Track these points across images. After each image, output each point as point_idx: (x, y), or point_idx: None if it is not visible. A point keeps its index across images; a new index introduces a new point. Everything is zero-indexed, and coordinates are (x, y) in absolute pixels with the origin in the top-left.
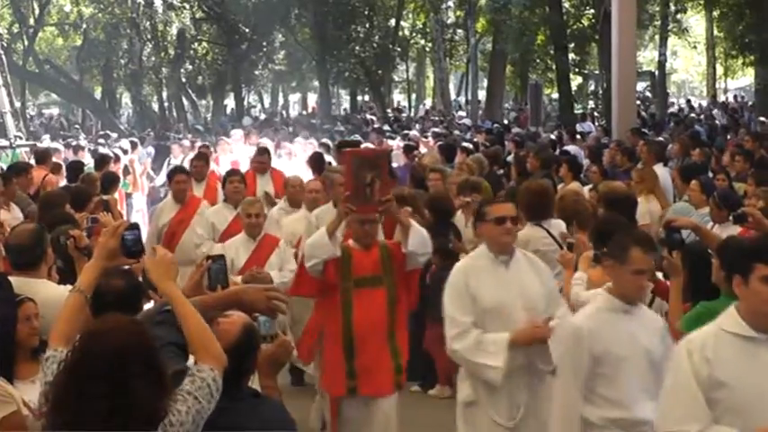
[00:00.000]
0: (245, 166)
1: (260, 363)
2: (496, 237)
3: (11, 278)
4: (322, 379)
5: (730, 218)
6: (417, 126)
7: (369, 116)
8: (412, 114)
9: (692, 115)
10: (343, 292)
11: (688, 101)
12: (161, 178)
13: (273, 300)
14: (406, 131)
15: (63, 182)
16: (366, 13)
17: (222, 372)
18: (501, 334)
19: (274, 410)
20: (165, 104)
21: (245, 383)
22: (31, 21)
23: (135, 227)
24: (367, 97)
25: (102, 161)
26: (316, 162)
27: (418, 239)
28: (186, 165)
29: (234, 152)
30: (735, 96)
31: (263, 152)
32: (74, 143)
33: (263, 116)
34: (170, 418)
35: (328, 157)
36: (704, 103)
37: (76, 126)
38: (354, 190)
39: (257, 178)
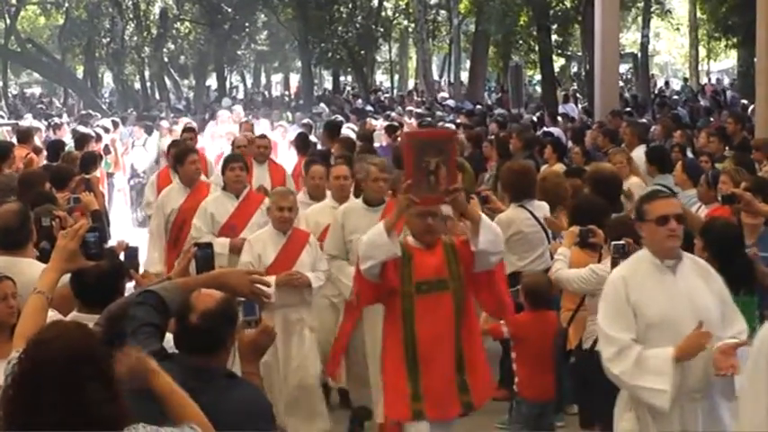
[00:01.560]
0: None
1: (242, 348)
2: (660, 240)
3: None
4: (383, 400)
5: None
6: (398, 107)
7: (352, 97)
8: (394, 95)
9: (675, 97)
10: (403, 298)
11: (666, 82)
12: (143, 160)
13: (257, 284)
14: (388, 112)
15: (44, 161)
16: None
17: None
18: (664, 349)
19: (250, 392)
20: (148, 84)
21: (221, 360)
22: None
23: (96, 228)
24: (350, 78)
25: (82, 140)
26: (301, 143)
27: (490, 237)
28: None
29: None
30: (717, 80)
31: (263, 137)
32: (54, 122)
33: (240, 96)
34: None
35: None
36: (677, 86)
37: (58, 106)
38: (416, 178)
39: (254, 168)
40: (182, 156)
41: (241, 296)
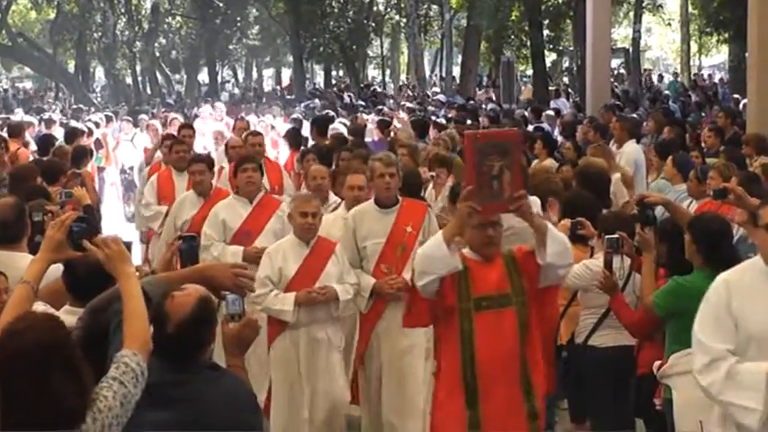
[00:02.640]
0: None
1: (226, 342)
2: None
3: None
4: (432, 427)
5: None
6: (390, 101)
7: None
8: (387, 89)
9: (667, 92)
10: (461, 316)
11: (660, 76)
12: (131, 155)
13: (240, 277)
14: (379, 107)
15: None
16: None
17: (147, 357)
18: (759, 363)
19: (234, 383)
20: (139, 79)
21: (203, 357)
22: None
23: (83, 219)
24: (341, 72)
25: (72, 134)
26: (293, 137)
27: (558, 248)
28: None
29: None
30: (708, 75)
31: (256, 134)
32: (46, 117)
33: (236, 90)
34: (98, 404)
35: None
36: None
37: (49, 101)
38: (478, 184)
39: None
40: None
41: (225, 290)
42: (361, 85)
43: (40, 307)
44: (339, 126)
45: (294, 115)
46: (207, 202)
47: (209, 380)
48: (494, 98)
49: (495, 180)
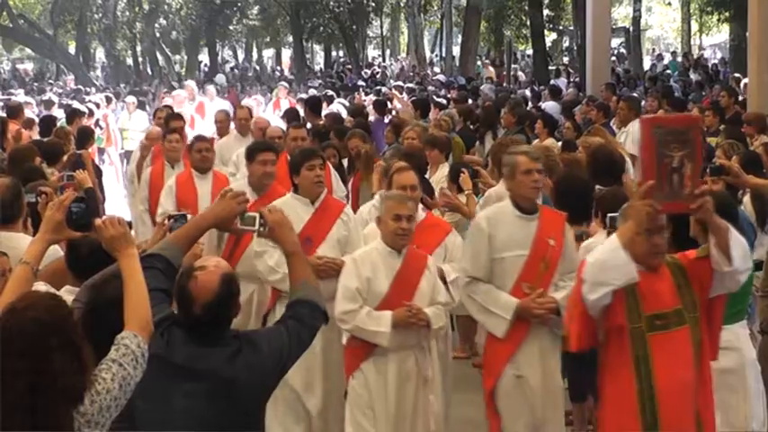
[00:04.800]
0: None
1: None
2: None
3: None
4: None
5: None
6: (392, 82)
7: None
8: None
9: (668, 72)
10: (633, 338)
11: (659, 55)
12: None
13: (240, 202)
14: (379, 87)
15: (35, 136)
16: None
17: (147, 338)
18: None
19: (255, 356)
20: (140, 59)
21: (225, 331)
22: None
23: (82, 199)
24: (341, 53)
25: (73, 115)
26: (291, 119)
27: (741, 251)
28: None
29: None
30: (703, 57)
31: (298, 128)
32: (45, 98)
33: (236, 71)
34: (96, 386)
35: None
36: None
37: (50, 82)
38: (658, 177)
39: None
40: (251, 154)
41: (233, 218)
42: (363, 67)
43: (41, 287)
44: (338, 106)
45: (301, 95)
46: (260, 199)
47: (231, 353)
48: (494, 78)
49: (675, 173)
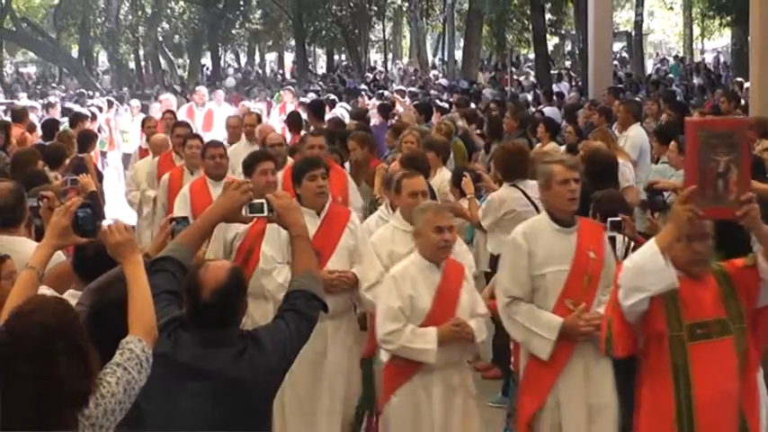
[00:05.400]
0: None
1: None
2: None
3: None
4: None
5: None
6: (393, 86)
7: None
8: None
9: (670, 75)
10: (672, 346)
11: (663, 59)
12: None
13: (244, 191)
14: (381, 91)
15: (38, 140)
16: None
17: (152, 343)
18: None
19: (259, 354)
20: (142, 63)
21: (235, 326)
22: None
23: (88, 205)
24: (344, 56)
25: (75, 119)
26: (294, 121)
27: None
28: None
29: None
30: (703, 61)
31: (317, 135)
32: (47, 101)
33: (239, 75)
34: (101, 390)
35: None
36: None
37: (53, 85)
38: (701, 182)
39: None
40: (251, 163)
41: (240, 207)
42: (365, 71)
43: (44, 291)
44: (340, 110)
45: (303, 99)
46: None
47: (237, 353)
48: (484, 83)
49: (720, 179)
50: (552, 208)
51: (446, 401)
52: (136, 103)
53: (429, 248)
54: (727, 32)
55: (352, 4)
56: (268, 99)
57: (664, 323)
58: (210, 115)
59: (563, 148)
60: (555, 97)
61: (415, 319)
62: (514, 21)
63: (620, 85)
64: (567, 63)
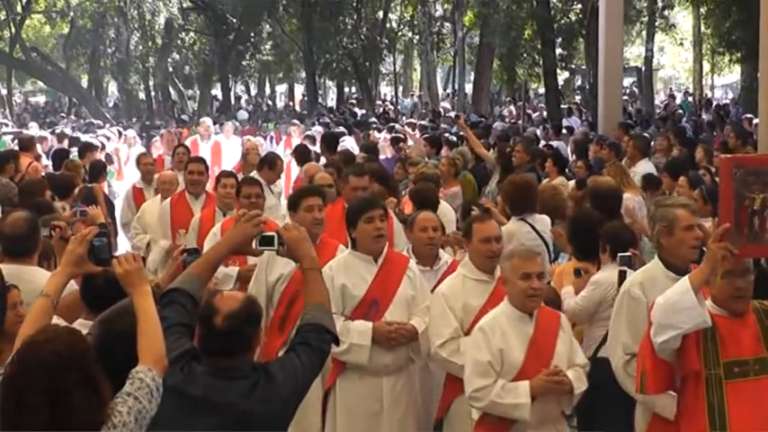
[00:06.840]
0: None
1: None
2: None
3: (3, 266)
4: None
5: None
6: (404, 119)
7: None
8: (398, 107)
9: (680, 111)
10: (708, 385)
11: (671, 95)
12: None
13: (255, 225)
14: (392, 124)
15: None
16: (354, 4)
17: (161, 372)
18: None
19: (271, 387)
20: (152, 94)
21: (248, 357)
22: (19, 8)
23: (103, 234)
24: (354, 89)
25: (85, 149)
26: (301, 155)
27: None
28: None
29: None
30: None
31: (360, 176)
32: (58, 131)
33: (251, 107)
34: (113, 419)
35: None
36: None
37: (62, 114)
38: (736, 220)
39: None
40: (296, 200)
41: (251, 239)
42: (377, 104)
43: (54, 321)
44: (351, 143)
45: (308, 132)
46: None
47: (249, 386)
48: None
49: (755, 216)
50: (671, 255)
51: None
52: (132, 133)
53: (517, 297)
54: (737, 69)
55: (363, 38)
56: (278, 128)
57: (700, 362)
58: (218, 148)
59: (572, 182)
60: (564, 131)
61: (507, 374)
62: (525, 55)
63: (629, 121)
64: (578, 98)
